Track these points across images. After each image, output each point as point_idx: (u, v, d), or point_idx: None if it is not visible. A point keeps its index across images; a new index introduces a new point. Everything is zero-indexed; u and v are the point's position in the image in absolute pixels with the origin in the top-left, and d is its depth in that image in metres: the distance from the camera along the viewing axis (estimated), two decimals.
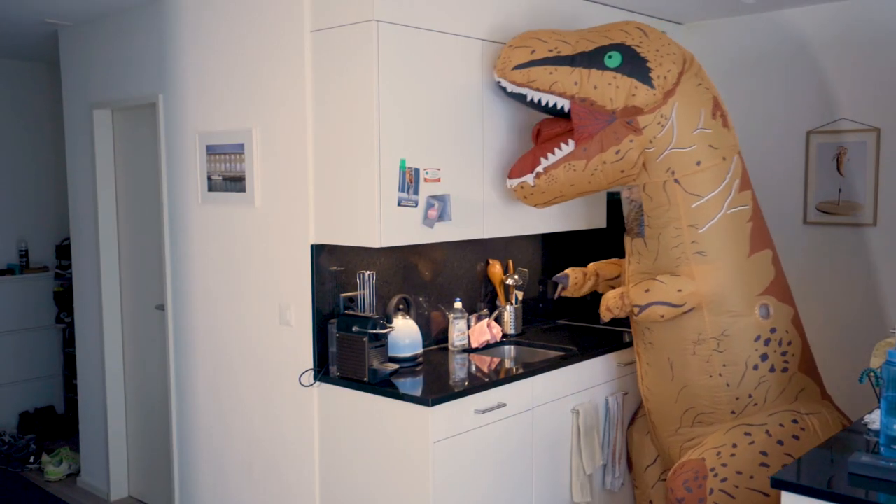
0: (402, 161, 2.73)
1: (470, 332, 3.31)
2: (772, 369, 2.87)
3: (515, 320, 3.55)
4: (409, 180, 2.75)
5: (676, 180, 2.82)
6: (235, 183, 3.14)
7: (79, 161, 4.06)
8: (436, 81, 2.81)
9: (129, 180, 3.92)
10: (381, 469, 2.70)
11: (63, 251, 5.13)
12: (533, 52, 2.76)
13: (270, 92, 2.98)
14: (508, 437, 2.85)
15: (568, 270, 3.38)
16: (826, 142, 3.62)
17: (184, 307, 3.47)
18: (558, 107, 2.80)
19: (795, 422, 2.82)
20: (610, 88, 2.73)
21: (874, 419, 2.20)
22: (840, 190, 3.60)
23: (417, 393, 2.64)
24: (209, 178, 3.26)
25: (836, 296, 3.63)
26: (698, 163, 2.81)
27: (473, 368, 3.04)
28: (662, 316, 2.85)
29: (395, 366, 2.81)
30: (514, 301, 3.52)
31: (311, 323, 2.90)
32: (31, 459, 4.57)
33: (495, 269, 3.53)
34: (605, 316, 3.02)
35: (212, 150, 3.23)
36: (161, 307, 3.70)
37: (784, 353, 2.89)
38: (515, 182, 2.91)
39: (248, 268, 3.14)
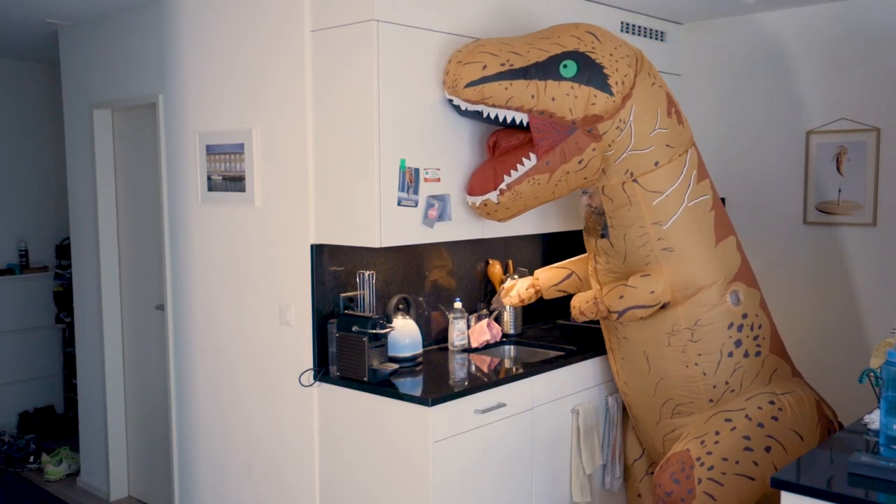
0: (402, 161, 2.73)
1: (470, 331, 3.31)
2: (745, 354, 2.92)
3: (515, 320, 3.55)
4: (409, 180, 2.75)
5: (635, 180, 2.84)
6: (235, 183, 3.14)
7: (79, 161, 4.07)
8: (436, 81, 2.82)
9: (129, 180, 3.92)
10: (380, 469, 2.71)
11: (63, 251, 5.13)
12: (484, 67, 2.67)
13: (270, 92, 2.98)
14: (508, 438, 2.86)
15: (504, 298, 3.38)
16: (826, 142, 3.63)
17: (183, 307, 3.47)
18: (517, 122, 2.74)
19: (772, 403, 2.88)
20: (568, 99, 2.69)
21: (874, 419, 2.21)
22: (840, 190, 3.60)
23: (417, 393, 2.65)
24: (209, 178, 3.26)
25: (835, 295, 3.63)
26: (656, 163, 2.83)
27: (473, 368, 3.05)
28: (641, 317, 2.89)
29: (395, 366, 2.82)
30: None
31: (311, 323, 2.90)
32: (31, 459, 4.57)
33: (495, 269, 3.53)
34: (578, 318, 3.03)
35: (212, 150, 3.23)
36: (161, 307, 3.70)
37: (756, 338, 2.94)
38: (478, 200, 2.86)
39: (248, 268, 3.15)
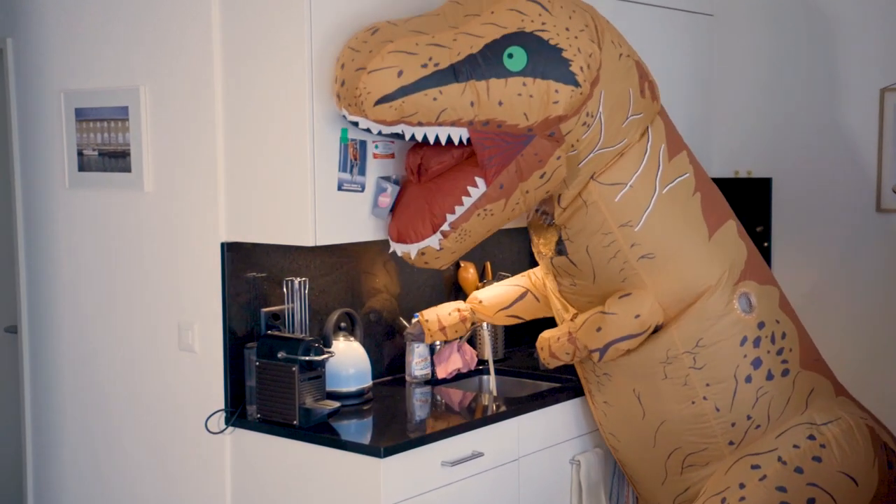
0: (344, 131, 2.82)
1: (435, 357, 3.43)
2: (769, 376, 2.99)
3: (495, 342, 3.67)
4: (353, 157, 2.85)
5: (593, 178, 2.93)
6: (117, 160, 3.20)
7: None
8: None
9: None
10: None
11: None
12: (400, 73, 2.62)
13: (165, 38, 3.05)
14: (487, 497, 2.96)
15: (426, 318, 3.32)
16: None
17: (45, 329, 3.52)
18: (454, 140, 2.75)
19: (812, 438, 2.95)
20: (520, 101, 2.69)
21: None
22: None
23: (365, 440, 2.75)
24: (80, 154, 3.32)
25: None
26: (622, 154, 2.94)
27: (440, 406, 3.17)
28: (629, 350, 2.97)
29: (336, 404, 2.89)
30: None
31: (223, 348, 2.98)
32: None
33: (468, 273, 3.64)
34: (550, 363, 3.11)
35: (83, 116, 3.29)
36: (13, 329, 3.75)
37: (780, 351, 3.02)
38: (413, 248, 2.85)
39: (136, 275, 3.21)
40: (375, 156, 2.93)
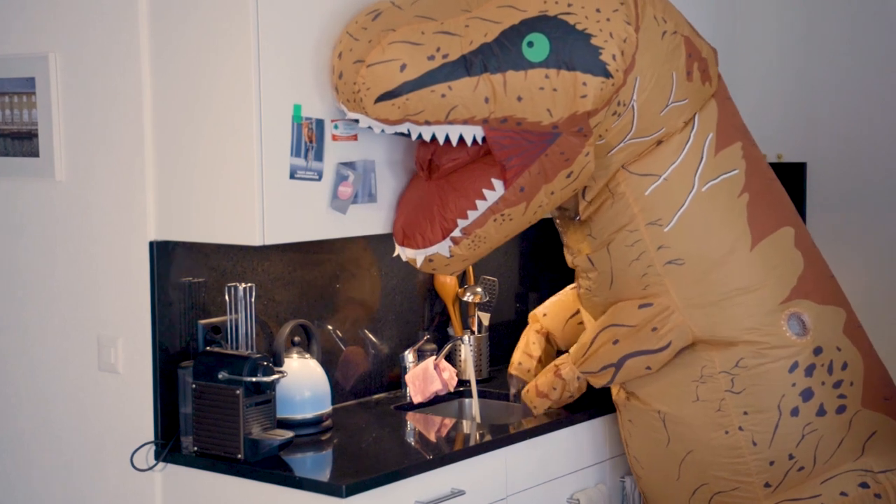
0: (297, 108, 2.80)
1: (408, 378, 3.41)
2: (820, 412, 2.99)
3: (478, 359, 3.66)
4: (309, 139, 2.83)
5: (623, 166, 2.98)
6: (20, 142, 3.17)
7: None
8: None
9: None
10: None
11: None
12: (403, 67, 2.70)
13: None
14: None
15: (516, 369, 3.44)
16: None
17: None
18: (467, 140, 2.81)
19: (866, 486, 2.96)
20: (543, 95, 2.75)
21: None
22: None
23: (324, 477, 2.73)
24: None
25: None
26: (660, 142, 2.98)
27: (414, 436, 3.15)
28: (649, 367, 3.00)
29: (290, 433, 2.87)
30: (476, 329, 3.63)
31: (152, 368, 2.95)
32: None
33: (446, 277, 3.61)
34: (539, 406, 3.17)
35: None
36: None
37: (838, 384, 3.02)
38: (420, 255, 2.95)
39: (46, 280, 3.18)
40: (335, 138, 2.90)
